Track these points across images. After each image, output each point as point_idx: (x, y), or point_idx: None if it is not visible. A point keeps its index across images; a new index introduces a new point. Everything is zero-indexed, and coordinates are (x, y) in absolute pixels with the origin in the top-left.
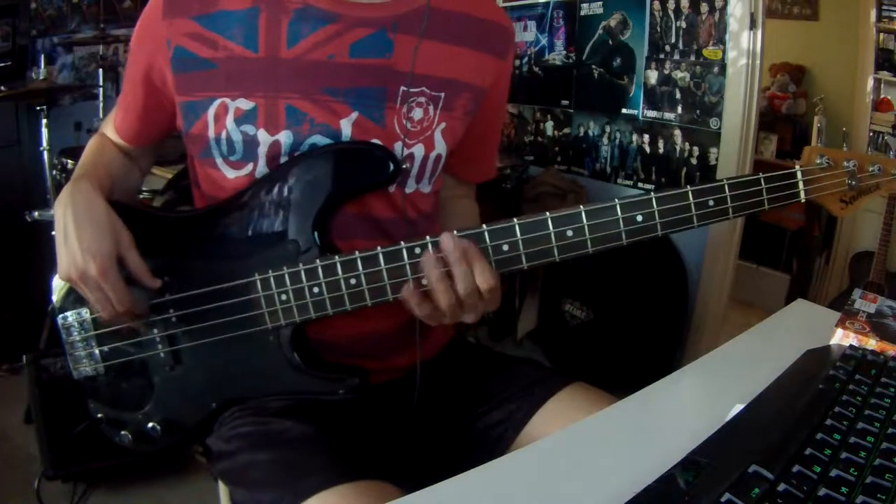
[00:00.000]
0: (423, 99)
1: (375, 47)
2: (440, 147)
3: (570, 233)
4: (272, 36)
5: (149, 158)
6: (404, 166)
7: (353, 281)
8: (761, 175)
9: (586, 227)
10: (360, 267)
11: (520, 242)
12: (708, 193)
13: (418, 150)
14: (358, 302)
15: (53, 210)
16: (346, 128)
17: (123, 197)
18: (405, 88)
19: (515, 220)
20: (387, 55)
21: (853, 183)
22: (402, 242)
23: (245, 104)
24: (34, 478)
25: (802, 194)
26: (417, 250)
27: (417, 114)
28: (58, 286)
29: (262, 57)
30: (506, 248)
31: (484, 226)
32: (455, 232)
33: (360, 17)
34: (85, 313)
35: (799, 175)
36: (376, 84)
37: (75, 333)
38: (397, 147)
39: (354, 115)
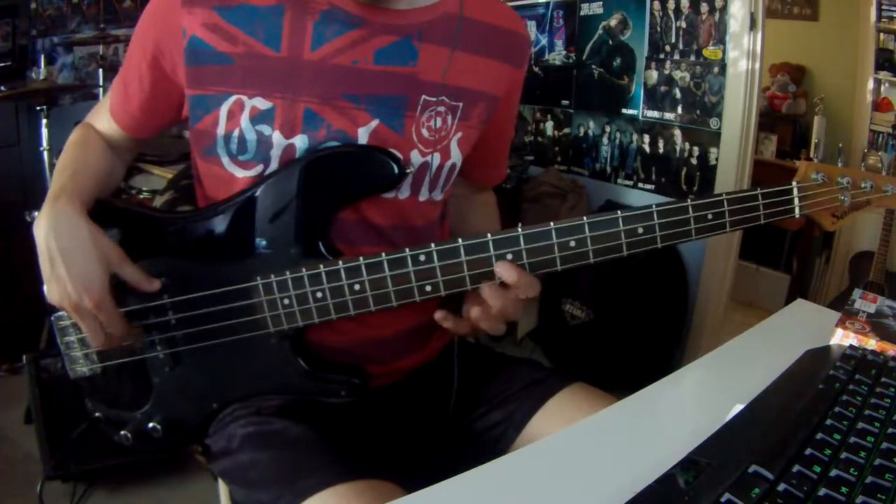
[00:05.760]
0: (442, 108)
1: (400, 55)
2: (455, 156)
3: (573, 243)
4: (296, 36)
5: (134, 152)
6: (408, 170)
7: (356, 287)
8: (759, 190)
9: (589, 239)
10: (365, 273)
11: (523, 252)
12: (707, 207)
13: (434, 160)
14: (362, 308)
15: (34, 231)
16: (363, 136)
17: (105, 194)
18: (426, 98)
19: (520, 229)
20: (411, 63)
21: (846, 199)
22: (407, 249)
23: (262, 104)
24: (34, 478)
25: (797, 210)
26: (422, 257)
27: (436, 123)
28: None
29: (284, 57)
30: (510, 257)
31: (489, 234)
32: (460, 240)
33: (385, 24)
34: None
35: (795, 191)
36: (399, 92)
37: (71, 334)
38: (414, 155)
39: (374, 123)
